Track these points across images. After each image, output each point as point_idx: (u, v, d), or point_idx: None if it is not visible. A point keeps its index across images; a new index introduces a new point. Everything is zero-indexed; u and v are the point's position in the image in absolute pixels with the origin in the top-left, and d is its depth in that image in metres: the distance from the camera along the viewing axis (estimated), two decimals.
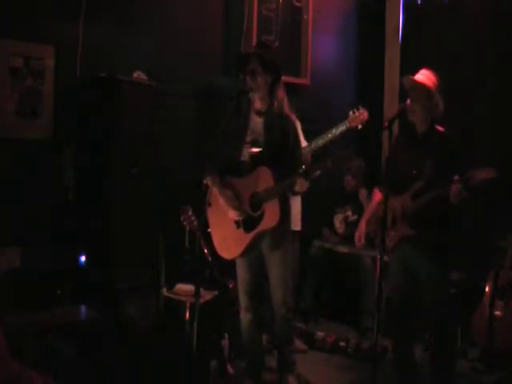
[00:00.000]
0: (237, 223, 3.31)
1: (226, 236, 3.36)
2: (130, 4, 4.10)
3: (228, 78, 4.69)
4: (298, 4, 5.21)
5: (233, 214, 3.30)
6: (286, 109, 3.42)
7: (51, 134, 3.77)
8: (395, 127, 3.00)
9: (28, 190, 3.63)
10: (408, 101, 3.15)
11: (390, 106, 5.36)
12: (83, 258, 3.73)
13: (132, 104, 3.78)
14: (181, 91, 4.29)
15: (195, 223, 3.60)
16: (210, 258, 3.66)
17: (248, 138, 3.30)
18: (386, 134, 3.06)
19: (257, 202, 3.23)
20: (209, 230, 3.46)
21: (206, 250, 3.62)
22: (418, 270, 3.23)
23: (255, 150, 3.27)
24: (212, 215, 3.41)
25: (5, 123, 3.58)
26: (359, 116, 3.35)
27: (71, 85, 3.82)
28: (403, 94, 5.18)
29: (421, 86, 3.12)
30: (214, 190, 3.27)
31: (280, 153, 3.23)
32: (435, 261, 3.17)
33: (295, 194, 3.27)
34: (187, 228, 3.68)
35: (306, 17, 5.25)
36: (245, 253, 3.33)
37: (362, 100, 5.67)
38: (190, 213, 3.65)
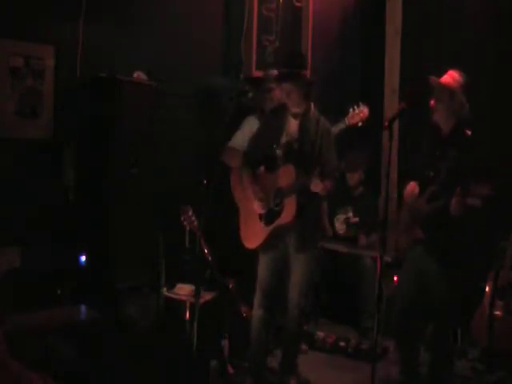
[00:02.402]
0: (259, 215, 3.46)
1: (250, 226, 3.54)
2: (130, 4, 4.09)
3: (228, 78, 4.70)
4: (298, 4, 5.21)
5: (257, 207, 3.44)
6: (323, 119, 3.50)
7: (51, 134, 3.77)
8: (395, 127, 3.01)
9: (28, 190, 3.62)
10: (431, 101, 3.20)
11: (390, 106, 5.36)
12: (83, 258, 3.73)
13: (132, 104, 3.77)
14: (181, 91, 4.28)
15: (195, 223, 3.60)
16: (210, 258, 3.66)
17: (283, 140, 3.41)
18: (385, 133, 3.06)
19: (279, 197, 3.38)
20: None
21: (206, 250, 3.63)
22: (427, 271, 3.27)
23: (288, 150, 3.39)
24: (243, 205, 3.63)
25: (5, 123, 3.58)
26: (359, 113, 3.35)
27: (71, 85, 3.81)
28: (403, 94, 5.23)
29: (444, 86, 3.15)
30: (246, 181, 3.50)
31: (311, 155, 3.34)
32: (444, 264, 3.20)
33: (316, 194, 3.31)
34: (187, 228, 3.68)
35: (305, 17, 5.25)
36: (263, 246, 3.47)
37: (362, 100, 5.71)
38: (190, 213, 3.65)
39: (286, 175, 3.36)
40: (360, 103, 3.30)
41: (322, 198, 3.44)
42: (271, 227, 3.41)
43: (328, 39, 5.56)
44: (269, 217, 3.43)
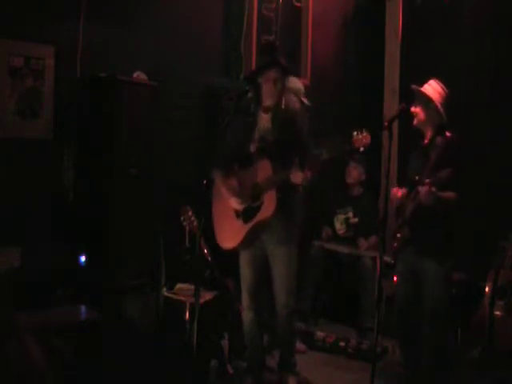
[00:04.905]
0: (236, 213, 3.36)
1: (227, 226, 3.41)
2: (130, 4, 4.09)
3: (228, 78, 4.70)
4: (297, 4, 5.21)
5: (234, 203, 3.34)
6: (292, 101, 3.45)
7: (51, 134, 3.77)
8: (395, 127, 3.06)
9: (28, 190, 3.62)
10: (412, 107, 3.35)
11: (390, 106, 5.36)
12: (83, 258, 3.73)
13: (132, 104, 3.77)
14: (181, 91, 4.29)
15: (195, 223, 3.61)
16: (209, 258, 3.66)
17: (256, 135, 3.35)
18: (385, 134, 3.09)
19: (257, 193, 3.28)
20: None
21: (205, 250, 3.63)
22: (417, 270, 3.32)
23: (262, 143, 3.32)
24: (215, 206, 3.49)
25: (5, 123, 3.58)
26: (362, 139, 3.36)
27: (71, 85, 3.81)
28: (403, 95, 5.24)
29: (421, 93, 3.32)
30: (217, 181, 3.37)
31: (286, 147, 3.27)
32: (432, 261, 3.26)
33: (295, 186, 3.26)
34: (187, 228, 3.68)
35: (305, 17, 5.26)
36: (243, 244, 3.36)
37: (362, 100, 5.72)
38: (190, 213, 3.66)
39: (262, 170, 3.26)
40: (364, 129, 3.32)
41: (300, 189, 3.34)
42: (251, 224, 3.29)
43: (328, 39, 5.56)
44: (247, 214, 3.32)
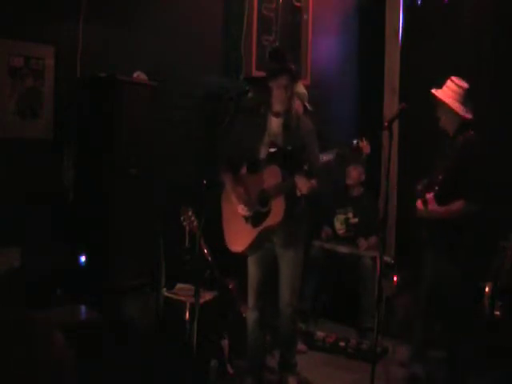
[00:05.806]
0: (245, 218, 3.39)
1: (236, 230, 3.44)
2: (130, 4, 4.09)
3: (228, 78, 4.70)
4: (297, 4, 5.21)
5: (242, 210, 3.37)
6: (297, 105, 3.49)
7: (51, 134, 3.77)
8: (395, 127, 3.05)
9: (28, 190, 3.62)
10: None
11: (390, 106, 5.36)
12: (83, 258, 3.74)
13: (132, 104, 3.77)
14: (181, 91, 4.29)
15: (195, 223, 3.61)
16: (209, 258, 3.66)
17: (266, 140, 3.37)
18: (385, 133, 3.09)
19: (265, 199, 3.31)
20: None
21: (205, 250, 3.63)
22: (433, 267, 3.37)
23: (272, 149, 3.33)
24: (225, 209, 3.52)
25: (5, 123, 3.58)
26: (362, 148, 3.38)
27: (71, 85, 3.81)
28: (403, 95, 5.24)
29: (435, 96, 3.34)
30: (228, 186, 3.41)
31: (296, 152, 3.29)
32: (444, 261, 3.25)
33: (302, 194, 3.27)
34: (187, 228, 3.68)
35: (305, 17, 5.26)
36: (251, 247, 3.39)
37: (362, 100, 5.72)
38: (190, 213, 3.66)
39: (271, 176, 3.28)
40: (364, 139, 3.33)
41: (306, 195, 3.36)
42: (259, 229, 3.32)
43: (328, 39, 5.56)
44: (256, 219, 3.34)
